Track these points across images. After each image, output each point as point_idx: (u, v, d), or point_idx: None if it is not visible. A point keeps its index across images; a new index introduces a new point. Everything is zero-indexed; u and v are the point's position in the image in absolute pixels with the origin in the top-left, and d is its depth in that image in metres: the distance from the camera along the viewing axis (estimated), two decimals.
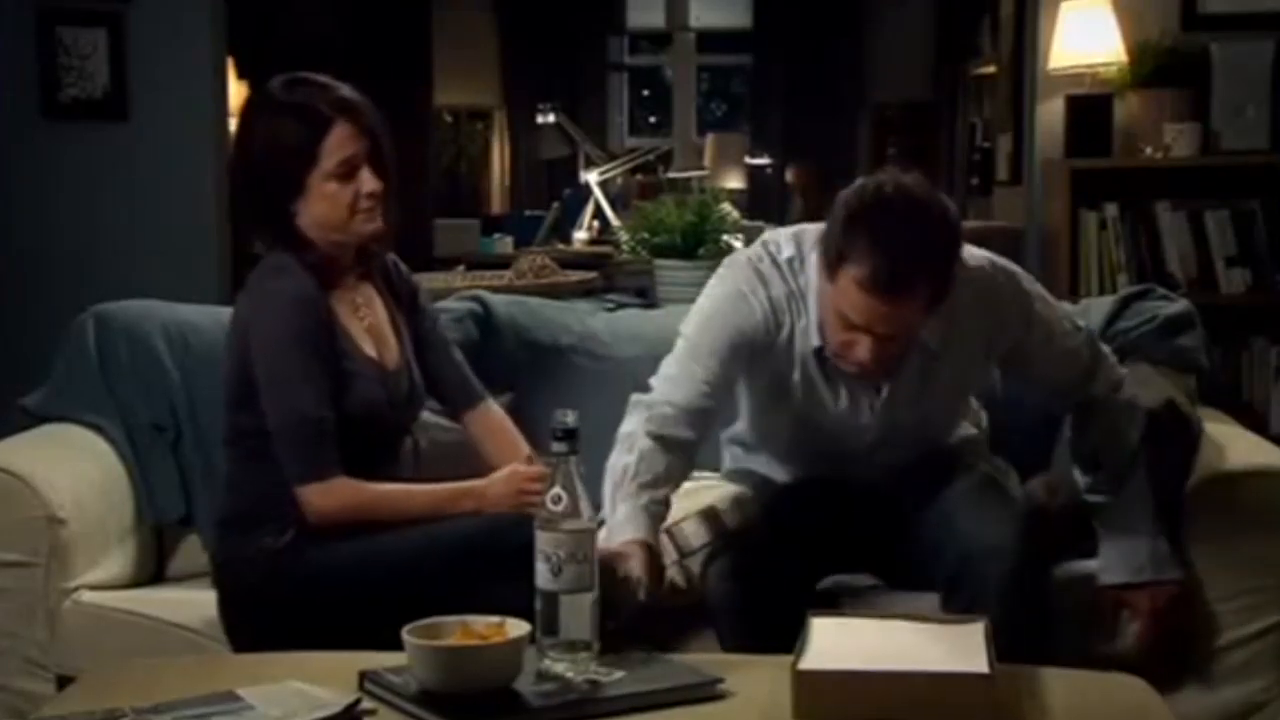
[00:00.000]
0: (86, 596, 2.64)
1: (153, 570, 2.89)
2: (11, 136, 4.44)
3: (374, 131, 2.46)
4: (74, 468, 2.74)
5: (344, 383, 2.42)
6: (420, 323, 2.65)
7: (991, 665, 1.86)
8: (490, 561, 2.21)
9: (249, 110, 2.55)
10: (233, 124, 5.44)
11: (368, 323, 2.53)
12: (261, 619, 2.39)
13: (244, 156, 2.51)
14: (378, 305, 2.57)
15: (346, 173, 2.43)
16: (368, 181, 2.43)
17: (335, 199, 2.43)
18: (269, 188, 2.45)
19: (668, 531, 2.43)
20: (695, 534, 2.46)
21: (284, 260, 2.45)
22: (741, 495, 2.56)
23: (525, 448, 2.58)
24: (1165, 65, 4.36)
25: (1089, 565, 2.53)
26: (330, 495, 2.36)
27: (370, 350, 2.50)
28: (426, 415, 2.67)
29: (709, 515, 2.48)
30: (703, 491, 2.56)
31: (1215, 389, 2.93)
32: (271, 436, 2.38)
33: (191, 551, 2.90)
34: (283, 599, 2.37)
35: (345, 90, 2.47)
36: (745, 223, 6.73)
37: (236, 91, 5.93)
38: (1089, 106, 4.42)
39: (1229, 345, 4.25)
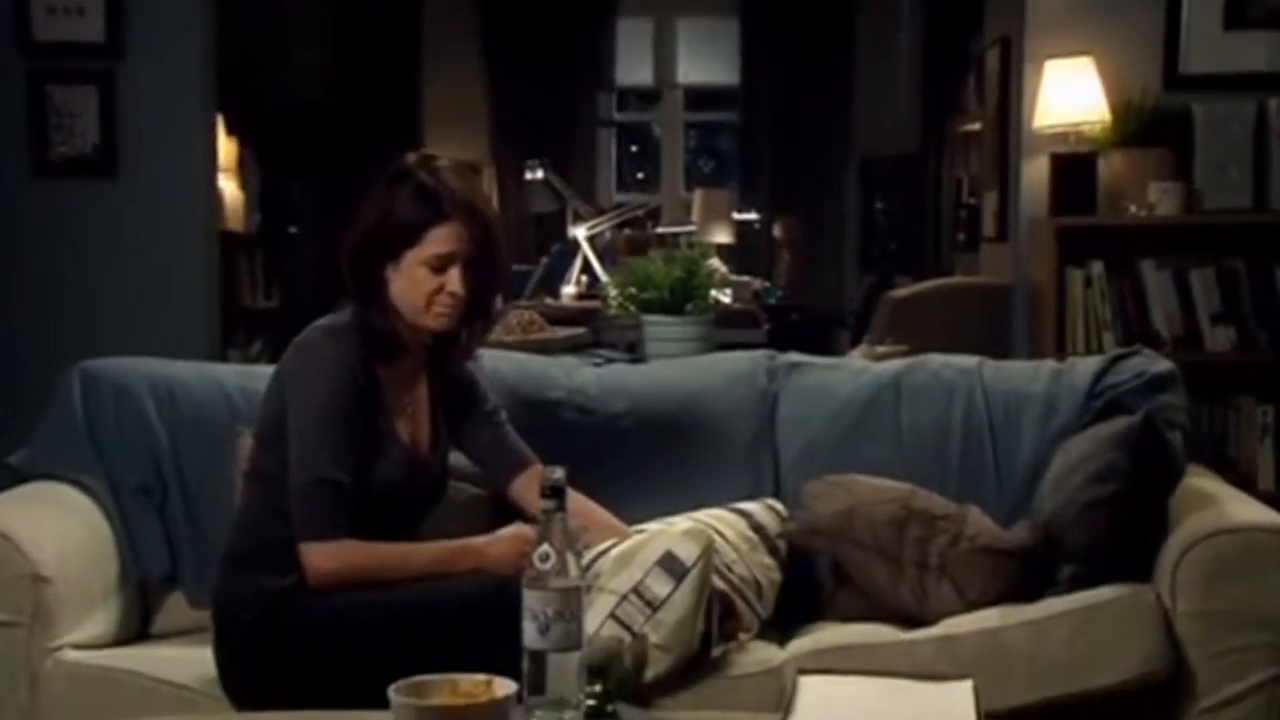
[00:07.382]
0: (70, 655, 2.61)
1: (137, 629, 2.88)
2: (1, 195, 4.44)
3: (481, 242, 2.51)
4: (59, 526, 2.73)
5: (372, 457, 2.46)
6: (477, 408, 2.69)
7: None
8: (486, 623, 2.19)
9: (386, 174, 2.59)
10: (222, 180, 5.50)
11: (409, 402, 2.57)
12: (254, 660, 2.40)
13: (366, 211, 2.55)
14: (423, 390, 2.61)
15: (439, 266, 2.49)
16: (453, 281, 2.49)
17: (418, 284, 2.49)
18: (372, 246, 2.51)
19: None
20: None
21: (337, 323, 2.50)
22: None
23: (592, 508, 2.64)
24: (1148, 124, 4.37)
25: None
26: (330, 556, 2.38)
27: (405, 433, 2.54)
28: None
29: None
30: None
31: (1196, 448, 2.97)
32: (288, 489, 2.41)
33: (177, 610, 2.89)
34: (276, 642, 2.38)
35: (477, 197, 2.55)
36: (733, 278, 6.77)
37: (226, 149, 5.96)
38: (1073, 165, 4.42)
39: (1215, 403, 4.26)
